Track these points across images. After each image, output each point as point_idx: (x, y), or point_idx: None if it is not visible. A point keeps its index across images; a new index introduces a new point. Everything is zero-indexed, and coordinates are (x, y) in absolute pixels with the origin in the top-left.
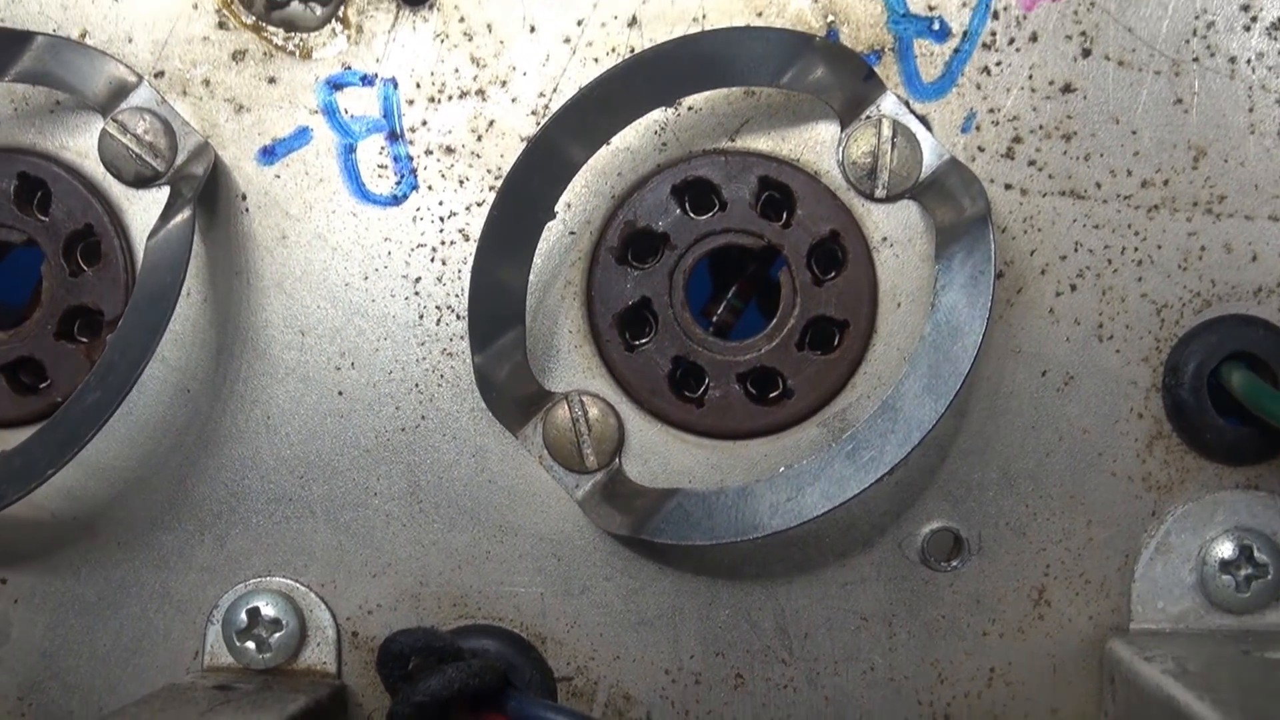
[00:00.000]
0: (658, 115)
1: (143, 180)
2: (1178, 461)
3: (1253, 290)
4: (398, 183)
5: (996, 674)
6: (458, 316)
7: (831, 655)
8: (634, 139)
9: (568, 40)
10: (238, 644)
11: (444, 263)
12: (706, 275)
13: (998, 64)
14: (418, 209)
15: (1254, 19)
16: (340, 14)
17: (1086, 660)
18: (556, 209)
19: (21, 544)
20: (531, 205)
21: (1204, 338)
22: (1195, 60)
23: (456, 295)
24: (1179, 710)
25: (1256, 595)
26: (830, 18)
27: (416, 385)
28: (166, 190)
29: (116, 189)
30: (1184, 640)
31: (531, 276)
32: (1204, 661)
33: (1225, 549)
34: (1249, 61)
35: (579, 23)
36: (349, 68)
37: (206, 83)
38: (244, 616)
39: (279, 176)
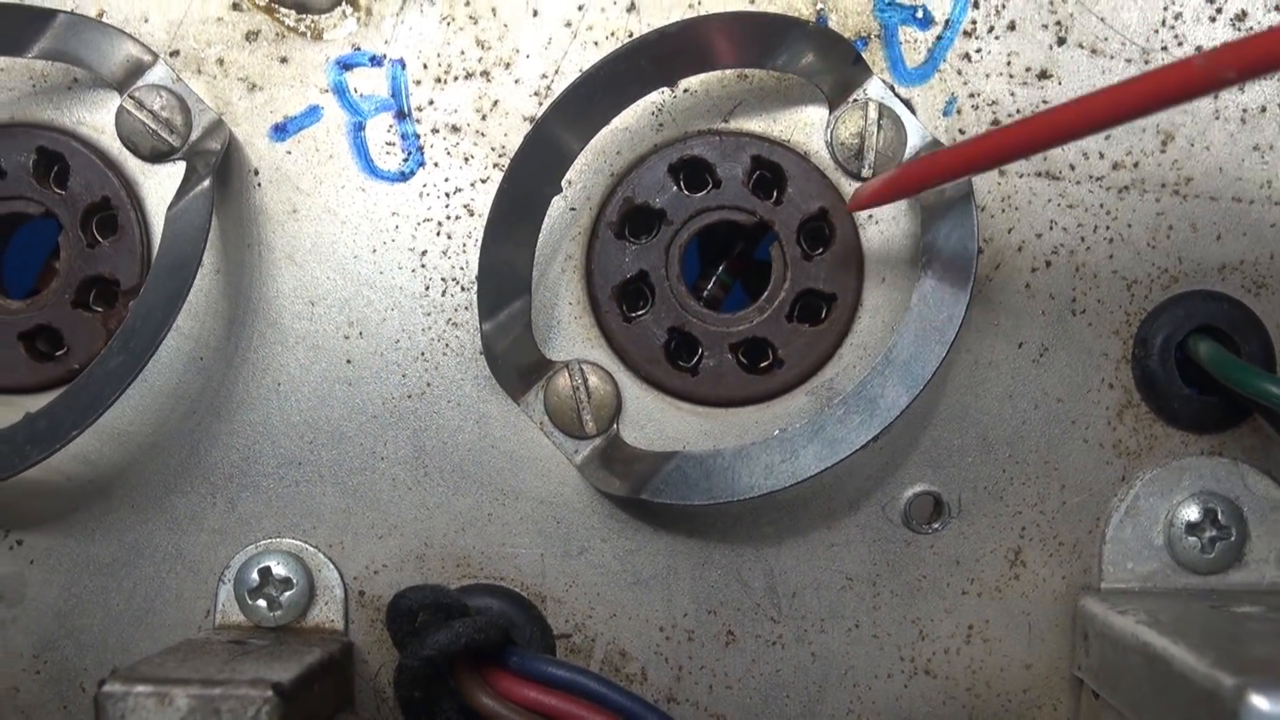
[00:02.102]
0: (655, 97)
1: (159, 155)
2: (1146, 429)
3: (1217, 267)
4: (405, 160)
5: (974, 631)
6: (462, 288)
7: (818, 613)
8: (632, 120)
9: (569, 24)
10: (249, 602)
11: (449, 237)
12: (696, 254)
13: (978, 51)
14: (424, 185)
15: (1219, 10)
16: None
17: (1060, 618)
18: (561, 184)
19: (38, 507)
20: (538, 181)
21: (1171, 312)
22: (1164, 49)
23: (462, 268)
24: (1156, 655)
25: (1220, 556)
26: (820, 5)
27: (422, 354)
28: (182, 165)
29: (132, 163)
30: (1154, 597)
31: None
32: (1175, 614)
33: (1191, 512)
34: None
35: (579, 7)
36: (358, 49)
37: (220, 62)
38: (255, 575)
39: (290, 153)
